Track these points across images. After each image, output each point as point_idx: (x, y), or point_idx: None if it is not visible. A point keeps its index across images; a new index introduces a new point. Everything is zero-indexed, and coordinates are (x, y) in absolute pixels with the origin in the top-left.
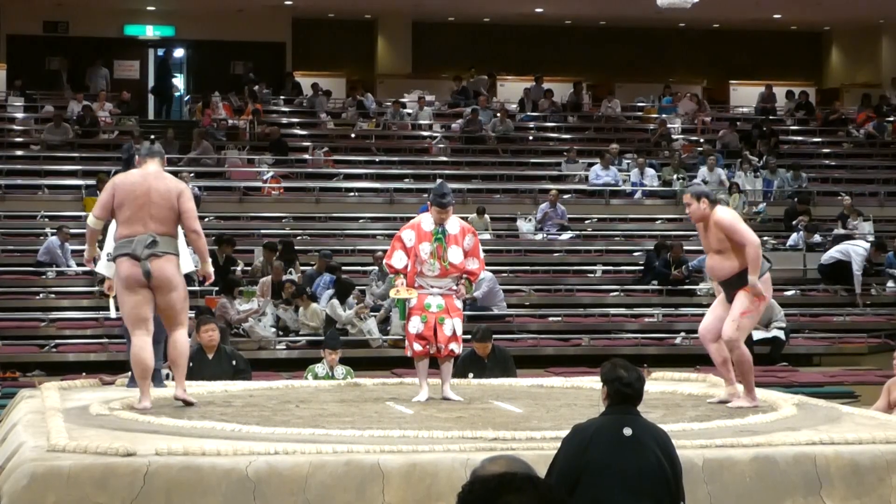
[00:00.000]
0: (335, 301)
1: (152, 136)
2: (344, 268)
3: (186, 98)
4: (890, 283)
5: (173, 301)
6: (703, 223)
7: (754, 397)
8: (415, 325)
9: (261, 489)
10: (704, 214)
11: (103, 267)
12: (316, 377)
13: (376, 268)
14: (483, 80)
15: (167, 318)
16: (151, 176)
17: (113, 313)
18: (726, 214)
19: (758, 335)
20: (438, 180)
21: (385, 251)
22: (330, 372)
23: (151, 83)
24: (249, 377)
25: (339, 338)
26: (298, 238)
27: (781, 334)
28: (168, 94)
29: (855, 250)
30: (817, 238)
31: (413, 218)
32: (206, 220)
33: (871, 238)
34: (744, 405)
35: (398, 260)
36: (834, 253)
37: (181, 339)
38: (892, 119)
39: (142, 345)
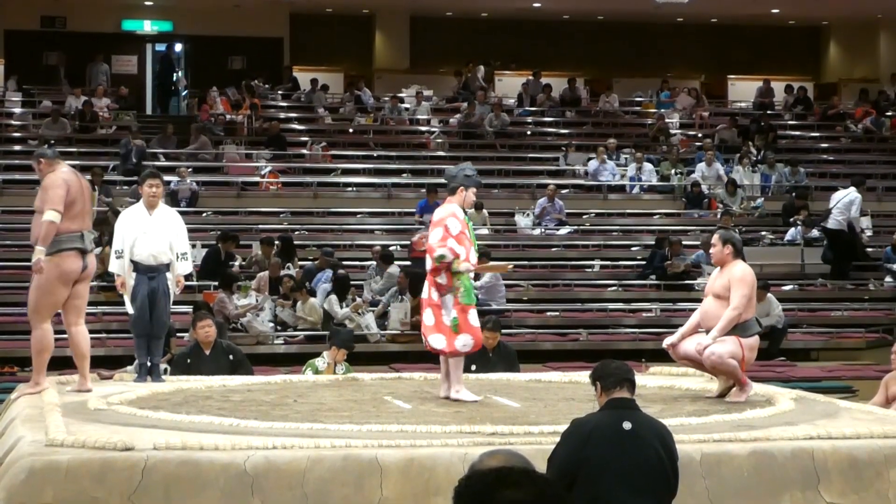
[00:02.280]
0: (333, 297)
1: (52, 140)
2: (342, 262)
3: (184, 93)
4: (888, 279)
5: (86, 292)
6: (721, 267)
7: (745, 388)
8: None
9: (259, 483)
10: (724, 259)
11: (116, 266)
12: (316, 371)
13: (374, 263)
14: (480, 71)
15: (77, 309)
16: (77, 174)
17: (129, 308)
18: (743, 270)
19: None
20: (465, 163)
21: (383, 246)
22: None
23: (154, 77)
24: (250, 371)
25: (353, 340)
26: (296, 233)
27: (779, 323)
28: (169, 89)
29: (857, 197)
30: (815, 233)
31: (412, 213)
32: (204, 214)
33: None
34: (740, 399)
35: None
36: (838, 217)
37: (86, 332)
38: (890, 114)
39: (49, 329)
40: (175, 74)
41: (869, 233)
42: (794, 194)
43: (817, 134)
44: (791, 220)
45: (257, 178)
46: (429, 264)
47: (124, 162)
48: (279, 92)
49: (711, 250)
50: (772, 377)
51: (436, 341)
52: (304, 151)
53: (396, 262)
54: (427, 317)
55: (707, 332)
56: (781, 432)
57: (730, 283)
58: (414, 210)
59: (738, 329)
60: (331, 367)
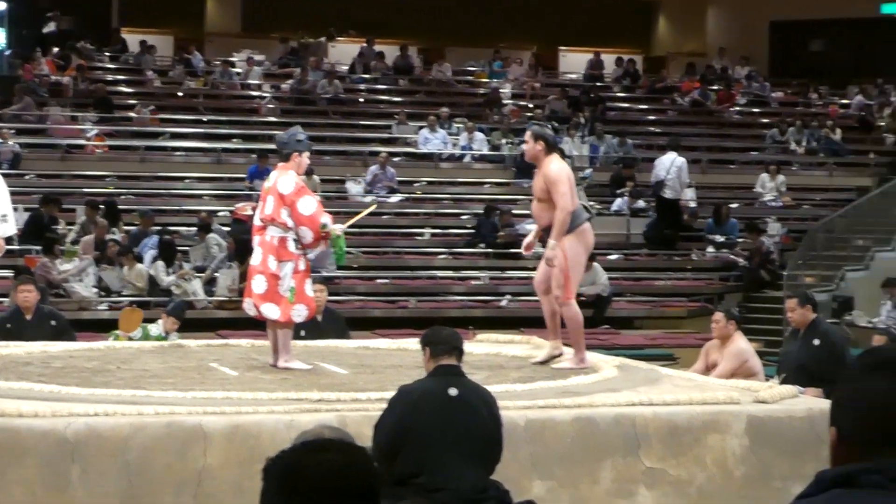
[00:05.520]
0: (160, 263)
1: None
2: (169, 228)
3: (7, 52)
4: (710, 249)
5: None
6: (537, 164)
7: (582, 358)
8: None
9: (80, 451)
10: (537, 155)
11: None
12: (147, 337)
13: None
14: (321, 44)
15: None
16: None
17: None
18: (555, 168)
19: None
20: (295, 128)
21: (209, 212)
22: (164, 335)
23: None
24: (73, 337)
25: (185, 310)
26: (123, 197)
27: (604, 292)
28: None
29: (683, 161)
30: (641, 203)
31: (243, 178)
32: (27, 177)
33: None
34: (570, 366)
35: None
36: (674, 186)
37: None
38: (716, 88)
39: None
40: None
41: (693, 204)
42: (621, 165)
43: (645, 106)
44: (618, 190)
45: (83, 141)
46: (275, 231)
47: None
48: (107, 54)
49: (524, 147)
50: (596, 345)
51: (268, 310)
52: (132, 115)
53: (223, 228)
54: (257, 285)
55: (543, 231)
56: (604, 399)
57: (545, 183)
58: (244, 176)
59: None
60: (126, 331)
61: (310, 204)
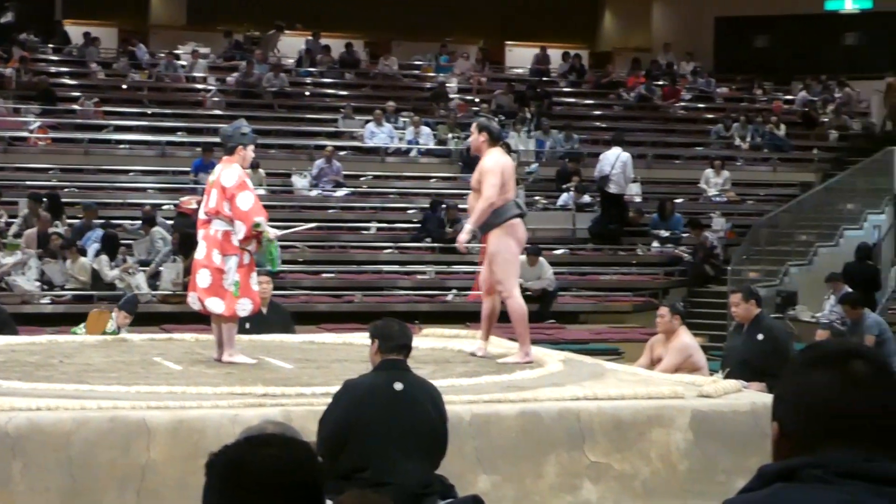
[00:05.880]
0: (103, 257)
1: None
2: (113, 221)
3: None
4: (655, 244)
5: None
6: (481, 156)
7: (527, 353)
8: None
9: (21, 445)
10: (480, 146)
11: None
12: (103, 331)
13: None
14: (274, 35)
15: None
16: None
17: None
18: (490, 160)
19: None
20: (239, 120)
21: (153, 205)
22: (118, 331)
23: None
24: (15, 331)
25: (137, 304)
26: (66, 190)
27: (549, 287)
28: None
29: (628, 156)
30: (587, 198)
31: (187, 172)
32: None
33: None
34: (515, 360)
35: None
36: (620, 181)
37: None
38: (661, 83)
39: None
40: None
41: (638, 199)
42: (567, 160)
43: (591, 101)
44: (564, 185)
45: (26, 134)
46: (220, 225)
47: None
48: (50, 46)
49: (470, 139)
50: (541, 339)
51: (213, 304)
52: (76, 107)
53: (167, 221)
54: (201, 279)
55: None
56: (549, 393)
57: (479, 174)
58: (189, 169)
59: (493, 216)
60: (92, 333)
61: (248, 200)
